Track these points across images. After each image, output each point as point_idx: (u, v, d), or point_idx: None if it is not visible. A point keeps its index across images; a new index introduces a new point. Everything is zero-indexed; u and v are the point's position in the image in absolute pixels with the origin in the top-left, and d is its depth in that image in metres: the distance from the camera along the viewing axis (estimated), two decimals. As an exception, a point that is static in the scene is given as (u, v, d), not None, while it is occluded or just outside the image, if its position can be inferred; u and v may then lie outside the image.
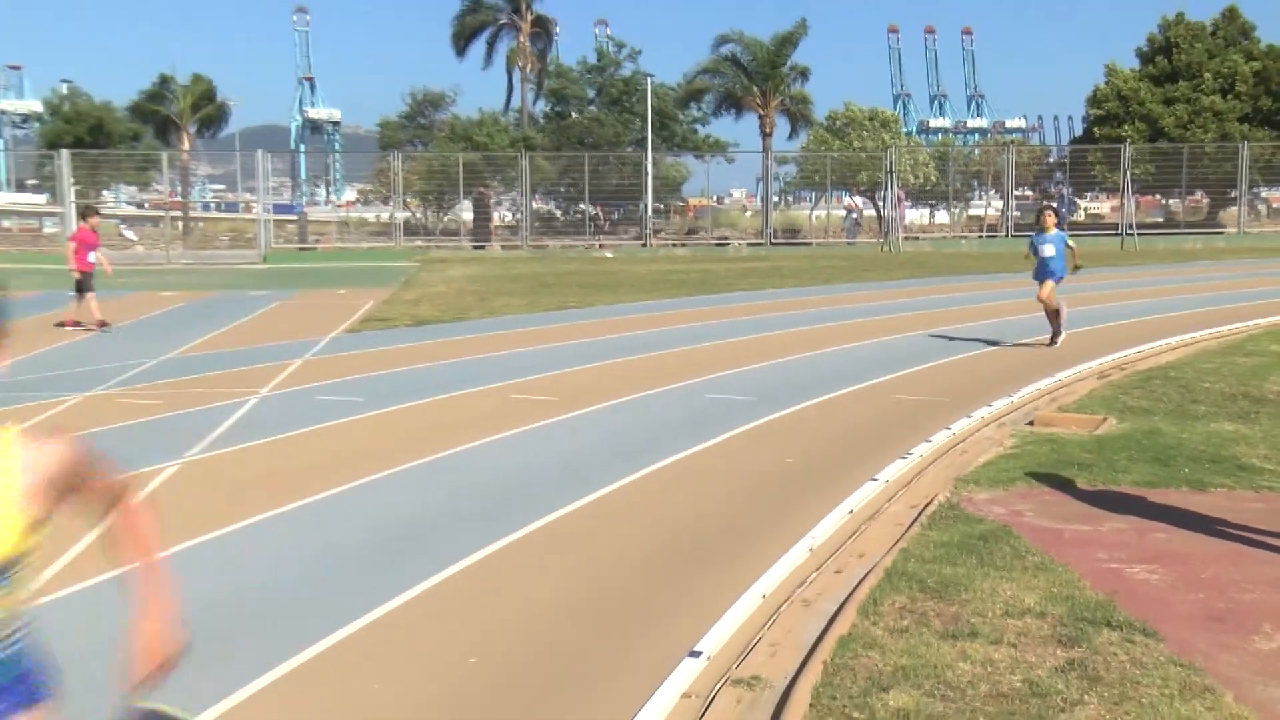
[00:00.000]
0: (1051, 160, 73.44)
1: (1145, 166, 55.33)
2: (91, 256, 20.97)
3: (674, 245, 53.43)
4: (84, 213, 22.73)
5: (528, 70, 65.11)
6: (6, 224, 64.31)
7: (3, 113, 78.37)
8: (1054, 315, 16.85)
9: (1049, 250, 16.79)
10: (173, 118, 64.95)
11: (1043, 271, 16.85)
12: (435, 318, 22.11)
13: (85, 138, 58.51)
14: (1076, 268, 17.34)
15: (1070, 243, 17.02)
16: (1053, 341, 16.70)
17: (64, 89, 71.31)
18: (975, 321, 20.70)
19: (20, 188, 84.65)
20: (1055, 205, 17.53)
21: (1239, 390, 12.74)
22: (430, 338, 19.21)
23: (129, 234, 61.13)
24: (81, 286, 20.71)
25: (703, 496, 9.14)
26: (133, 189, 75.35)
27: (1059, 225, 17.32)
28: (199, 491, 9.34)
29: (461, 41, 65.70)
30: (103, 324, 20.42)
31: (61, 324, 20.46)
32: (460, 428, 11.58)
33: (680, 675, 5.63)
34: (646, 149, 54.43)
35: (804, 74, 61.69)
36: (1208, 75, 58.92)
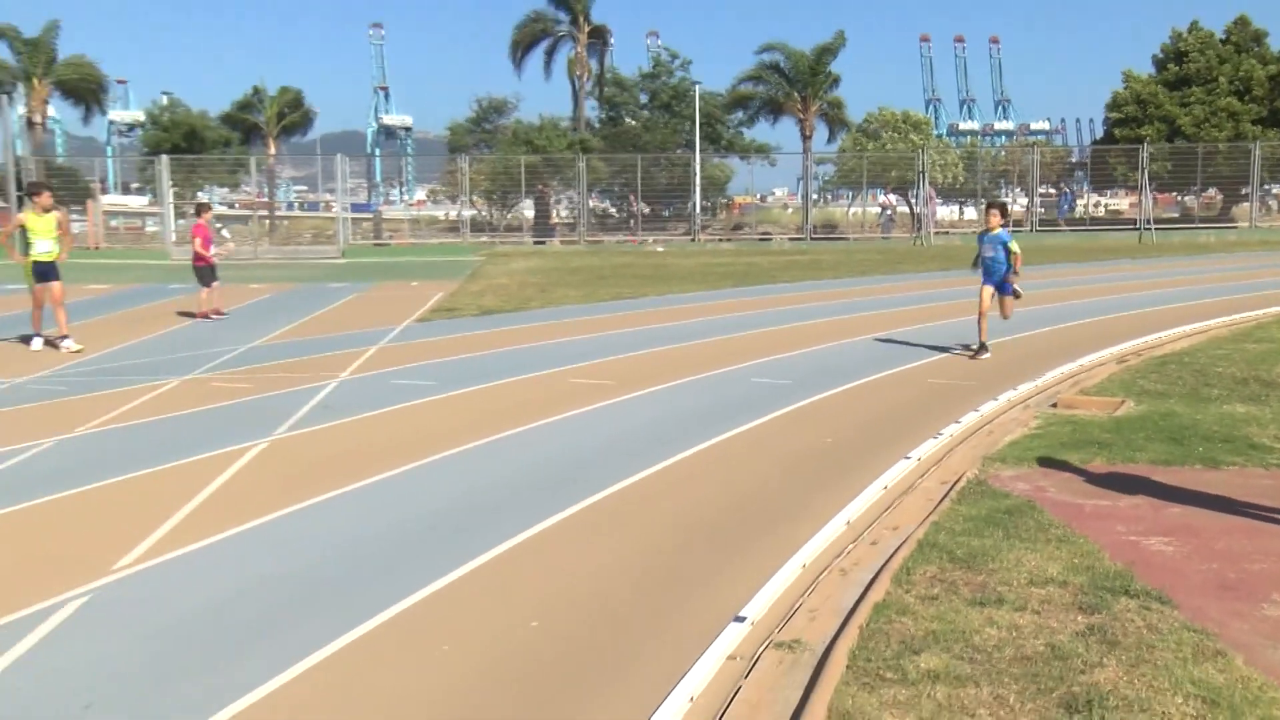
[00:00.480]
0: (1074, 160, 72.97)
1: (1162, 164, 54.80)
2: (212, 249, 21.18)
3: (720, 240, 53.36)
4: (199, 210, 22.91)
5: (584, 78, 65.10)
6: (114, 223, 65.05)
7: (111, 122, 79.46)
8: (984, 326, 14.93)
9: (989, 251, 14.89)
10: (260, 125, 65.46)
11: (986, 276, 14.99)
12: (499, 308, 22.19)
13: (182, 144, 59.08)
14: (1014, 273, 15.03)
15: (1013, 246, 14.76)
16: (979, 349, 14.79)
17: (164, 100, 71.99)
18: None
19: (125, 190, 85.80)
20: (1004, 203, 16.09)
21: (1250, 374, 12.57)
22: (495, 326, 19.28)
23: (224, 233, 61.71)
24: (204, 277, 20.86)
25: (748, 473, 9.13)
26: (224, 190, 76.13)
27: (1005, 225, 15.23)
28: (284, 467, 9.46)
29: (520, 50, 65.68)
30: (217, 312, 20.69)
31: (205, 315, 20.55)
32: (523, 410, 11.63)
33: (726, 639, 5.65)
34: (695, 151, 54.33)
35: (836, 80, 61.37)
36: (1222, 79, 58.31)
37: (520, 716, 4.96)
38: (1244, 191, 57.36)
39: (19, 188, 45.41)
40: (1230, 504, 7.71)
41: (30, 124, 62.41)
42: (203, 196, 63.24)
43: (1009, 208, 17.21)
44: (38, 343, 16.40)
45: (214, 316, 20.53)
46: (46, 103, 63.44)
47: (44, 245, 16.17)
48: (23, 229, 16.35)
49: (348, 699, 5.16)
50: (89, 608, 6.27)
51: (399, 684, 5.30)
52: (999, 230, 14.77)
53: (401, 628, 5.95)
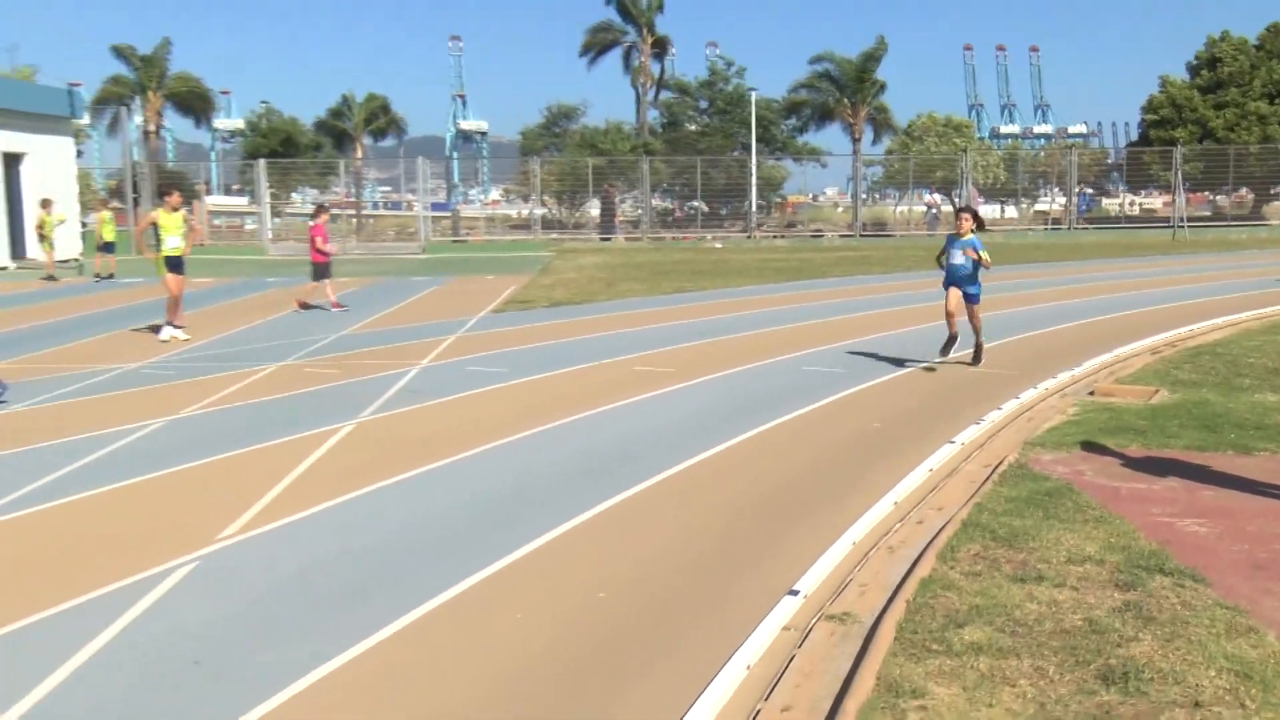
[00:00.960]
0: (1110, 161, 72.00)
1: (1195, 165, 53.96)
2: (329, 244, 21.22)
3: (775, 237, 53.12)
4: (317, 211, 23.12)
5: (647, 85, 65.06)
6: (217, 222, 65.96)
7: (215, 130, 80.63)
8: (968, 332, 13.37)
9: (958, 257, 13.02)
10: (349, 130, 66.03)
11: (949, 279, 13.23)
12: (568, 300, 22.25)
13: (278, 149, 59.88)
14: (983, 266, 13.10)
15: (982, 254, 12.87)
16: (943, 352, 13.34)
17: (262, 109, 72.84)
18: (1041, 304, 20.31)
19: (227, 191, 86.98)
20: (975, 209, 13.91)
21: (1280, 365, 12.37)
22: (564, 317, 19.32)
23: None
24: (318, 272, 20.93)
25: (801, 455, 9.08)
26: (315, 191, 76.92)
27: (975, 232, 13.17)
28: (370, 447, 9.55)
29: (590, 55, 65.91)
30: (336, 304, 20.60)
31: (336, 305, 20.58)
32: (590, 395, 11.64)
33: (781, 611, 5.63)
34: (751, 153, 54.18)
35: (882, 87, 60.91)
36: (1256, 83, 57.34)
37: (588, 677, 4.97)
38: (1274, 191, 56.52)
39: (135, 190, 46.24)
40: (1262, 488, 7.56)
41: (145, 133, 63.45)
42: (295, 197, 64.01)
43: (980, 214, 15.48)
44: (166, 332, 16.53)
45: (334, 309, 20.41)
46: (160, 113, 64.53)
47: (173, 241, 16.38)
48: (154, 225, 16.56)
49: (433, 658, 5.20)
50: (196, 573, 6.37)
51: (479, 646, 5.33)
52: (970, 235, 12.99)
53: (480, 595, 5.99)
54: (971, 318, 13.15)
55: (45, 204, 30.41)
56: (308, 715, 4.67)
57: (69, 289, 26.68)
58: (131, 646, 5.37)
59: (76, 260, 30.18)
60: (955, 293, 13.02)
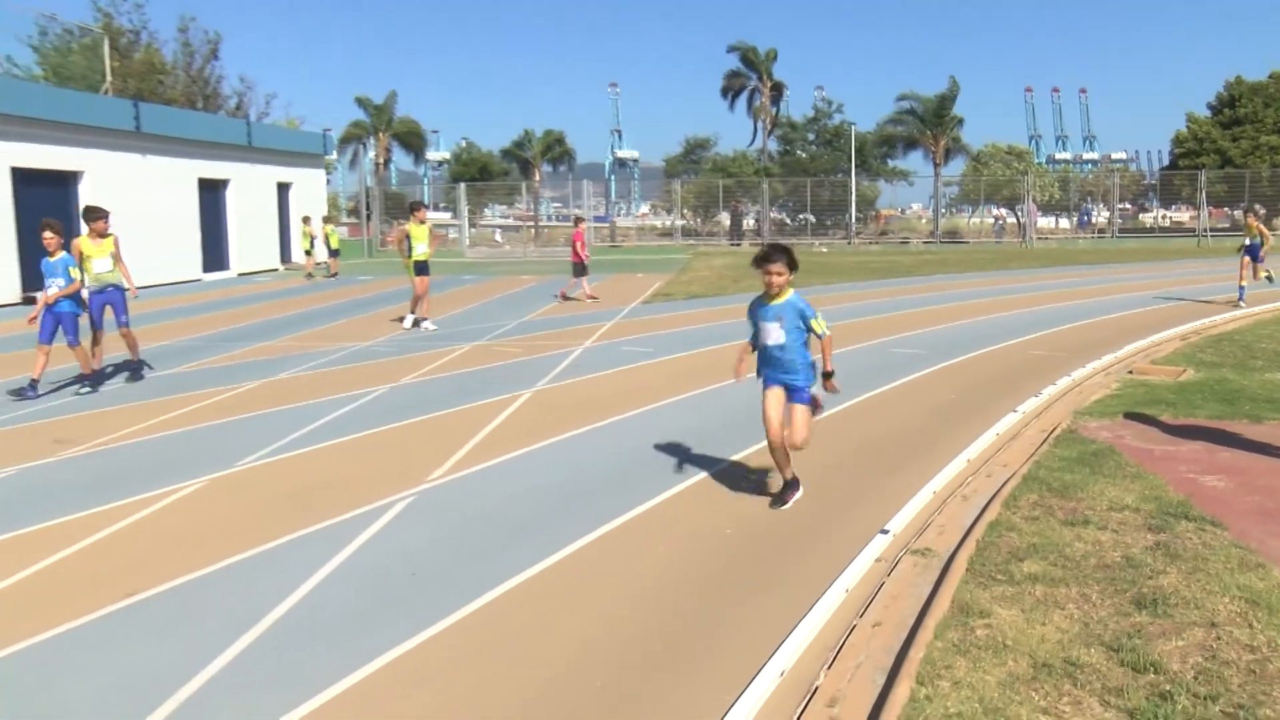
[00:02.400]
0: (1146, 182, 69.71)
1: (1218, 187, 52.70)
2: (585, 250, 21.18)
3: (869, 243, 52.25)
4: (576, 221, 23.32)
5: (766, 121, 64.38)
6: (429, 232, 67.31)
7: (427, 161, 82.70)
8: (785, 459, 6.39)
9: (773, 335, 6.24)
10: (529, 159, 66.93)
11: (764, 363, 6.47)
12: (702, 293, 22.25)
13: (476, 175, 61.06)
14: (828, 374, 6.34)
15: (817, 326, 6.17)
16: (775, 504, 6.38)
17: (463, 143, 74.34)
18: (1088, 299, 19.58)
19: (435, 209, 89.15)
20: (787, 247, 6.24)
21: (1306, 349, 11.77)
22: (699, 307, 19.35)
23: (498, 237, 63.47)
24: (578, 271, 20.89)
25: (890, 421, 8.97)
26: (502, 208, 78.28)
27: (794, 286, 6.29)
28: (544, 411, 9.72)
29: (728, 96, 65.60)
30: (591, 298, 20.38)
31: (590, 297, 20.44)
32: (722, 370, 11.61)
33: (874, 546, 5.61)
34: (850, 176, 53.36)
35: (959, 121, 59.26)
36: (1268, 119, 55.79)
37: (719, 592, 5.03)
38: (1282, 208, 54.48)
39: (368, 209, 47.79)
40: (1271, 450, 7.33)
41: (376, 165, 65.36)
42: (488, 213, 65.12)
43: (794, 255, 6.22)
44: (421, 324, 16.32)
45: (588, 301, 20.17)
46: (388, 149, 66.24)
47: (422, 248, 16.31)
48: (408, 236, 16.43)
49: (603, 574, 5.33)
50: (413, 506, 6.60)
51: (637, 567, 5.44)
52: (790, 296, 6.21)
53: (632, 529, 6.09)
54: (793, 426, 6.21)
55: (306, 220, 31.70)
56: (503, 616, 4.84)
57: (318, 285, 27.72)
58: (365, 562, 5.62)
59: (324, 264, 31.37)
60: (775, 396, 6.30)
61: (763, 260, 6.20)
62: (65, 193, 25.14)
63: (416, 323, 16.51)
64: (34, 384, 10.86)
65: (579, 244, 21.04)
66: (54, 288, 10.97)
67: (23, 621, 4.80)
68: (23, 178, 23.61)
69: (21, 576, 5.43)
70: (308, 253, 30.90)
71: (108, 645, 4.56)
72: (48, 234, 11.00)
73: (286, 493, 6.96)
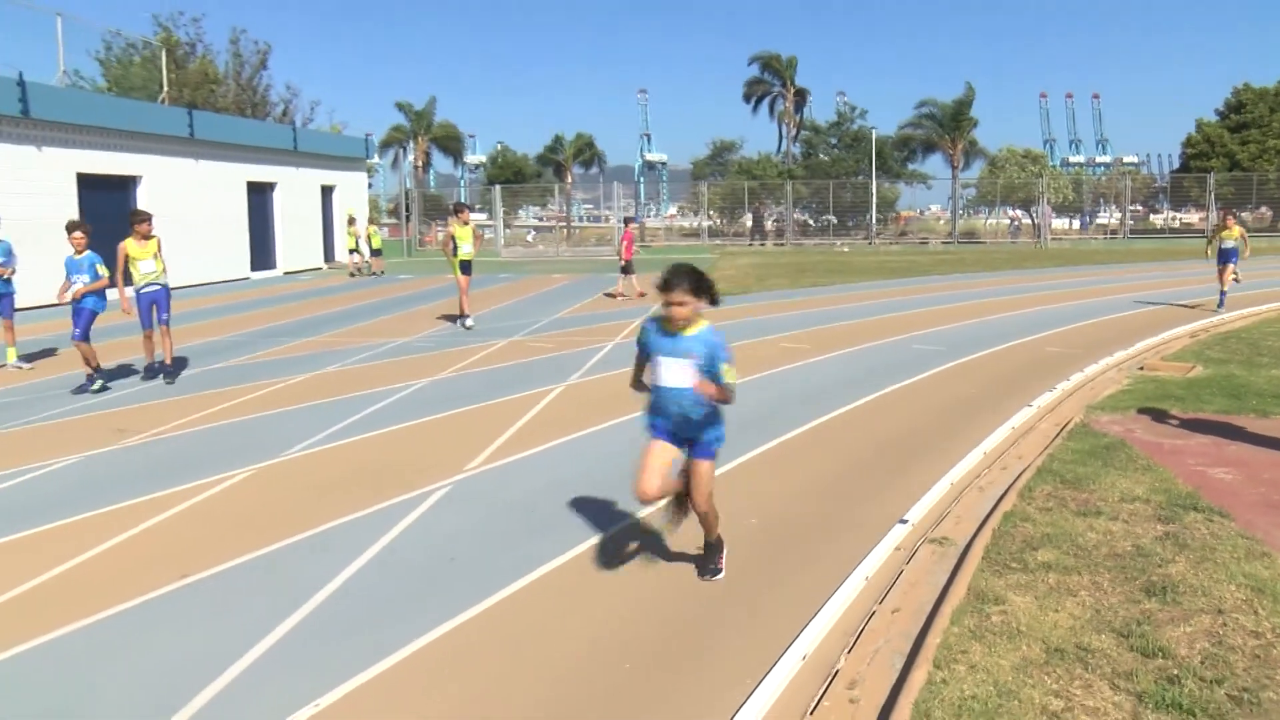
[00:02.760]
0: (1156, 185, 68.85)
1: (1226, 189, 51.88)
2: (634, 248, 20.92)
3: (889, 244, 51.94)
4: (625, 221, 23.33)
5: (790, 125, 64.13)
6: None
7: (464, 164, 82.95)
8: (711, 524, 4.91)
9: (674, 374, 4.76)
10: (561, 162, 67.04)
11: (655, 415, 4.92)
12: (728, 290, 22.06)
13: (510, 178, 61.21)
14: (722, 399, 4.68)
15: (728, 375, 4.67)
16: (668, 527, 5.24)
17: (498, 147, 74.56)
18: (1100, 298, 19.39)
19: (471, 210, 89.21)
20: (698, 277, 4.90)
21: (1310, 347, 11.60)
22: (725, 304, 19.24)
23: (530, 237, 63.64)
24: (626, 269, 20.79)
25: (910, 414, 8.93)
26: (535, 209, 78.47)
27: (701, 319, 4.99)
28: (575, 404, 9.76)
29: (750, 100, 65.41)
30: (641, 294, 20.10)
31: (641, 294, 20.05)
32: (746, 364, 11.61)
33: (893, 535, 5.61)
34: (871, 178, 53.05)
35: (975, 124, 58.80)
36: (1274, 124, 54.82)
37: (746, 577, 5.05)
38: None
39: (407, 210, 48.07)
40: (1277, 444, 7.26)
41: (415, 168, 65.72)
42: (522, 214, 65.28)
43: (707, 279, 4.88)
44: (470, 320, 16.10)
45: (636, 298, 19.90)
46: (427, 153, 66.59)
47: (467, 248, 16.29)
48: (452, 237, 16.39)
49: (626, 565, 5.37)
50: (450, 495, 6.66)
51: (659, 557, 5.47)
52: (702, 329, 4.96)
53: (660, 519, 6.10)
54: (695, 494, 4.84)
55: (351, 221, 31.93)
56: (536, 600, 4.89)
57: (359, 283, 27.92)
58: (405, 547, 5.69)
59: (367, 263, 31.60)
60: (663, 454, 4.83)
61: (663, 287, 4.75)
62: (124, 196, 25.50)
63: (461, 319, 16.41)
64: (90, 376, 11.04)
65: (625, 244, 21.02)
66: (79, 283, 11.18)
67: (88, 600, 4.91)
68: (86, 182, 23.97)
69: (87, 556, 5.55)
70: (353, 251, 31.15)
71: (164, 623, 4.65)
72: (77, 234, 11.25)
73: (330, 481, 7.04)
